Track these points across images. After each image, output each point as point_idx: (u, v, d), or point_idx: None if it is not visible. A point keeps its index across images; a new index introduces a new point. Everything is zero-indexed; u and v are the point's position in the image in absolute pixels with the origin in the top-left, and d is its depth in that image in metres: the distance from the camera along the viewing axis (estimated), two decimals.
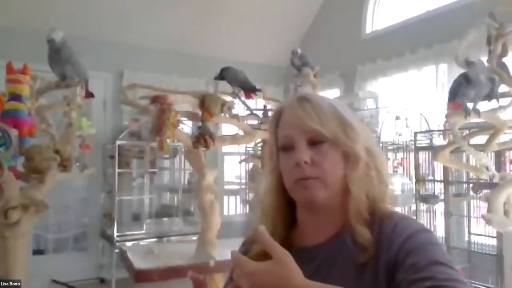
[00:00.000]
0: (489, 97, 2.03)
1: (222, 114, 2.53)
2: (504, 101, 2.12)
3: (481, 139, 2.31)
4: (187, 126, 3.98)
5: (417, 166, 3.12)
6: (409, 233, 0.69)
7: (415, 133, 3.22)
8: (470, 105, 2.02)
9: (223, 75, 2.77)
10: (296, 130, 0.76)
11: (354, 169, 0.75)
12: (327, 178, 0.75)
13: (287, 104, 0.81)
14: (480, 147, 2.22)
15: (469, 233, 2.99)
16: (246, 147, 4.71)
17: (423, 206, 3.18)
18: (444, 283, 0.59)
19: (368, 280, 0.69)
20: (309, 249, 0.78)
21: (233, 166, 5.31)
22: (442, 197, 3.00)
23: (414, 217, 3.06)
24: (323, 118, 0.75)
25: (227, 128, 3.45)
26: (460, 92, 1.97)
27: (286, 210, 0.83)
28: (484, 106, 2.09)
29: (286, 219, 0.83)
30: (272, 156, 0.83)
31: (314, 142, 0.75)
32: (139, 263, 2.37)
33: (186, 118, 2.78)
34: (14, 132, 1.77)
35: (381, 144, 3.56)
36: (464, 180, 3.04)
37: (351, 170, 0.75)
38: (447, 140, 2.88)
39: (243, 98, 2.83)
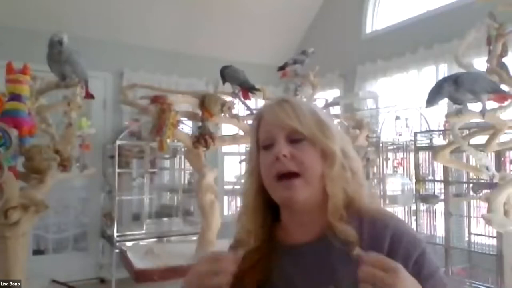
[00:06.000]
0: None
1: (222, 114, 2.53)
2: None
3: (481, 139, 2.31)
4: (187, 126, 3.98)
5: (417, 166, 3.11)
6: (420, 251, 0.73)
7: (415, 133, 3.22)
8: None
9: (223, 73, 2.77)
10: (275, 127, 0.79)
11: (331, 167, 0.78)
12: (307, 173, 0.77)
13: (267, 107, 0.84)
14: (480, 147, 2.22)
15: (469, 233, 2.99)
16: (246, 147, 4.71)
17: (423, 206, 3.17)
18: None
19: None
20: (297, 247, 0.80)
21: (233, 166, 5.31)
22: (442, 197, 2.99)
23: (414, 217, 3.06)
24: (301, 116, 0.78)
25: (227, 128, 3.44)
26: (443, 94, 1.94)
27: (265, 210, 0.84)
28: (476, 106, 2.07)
29: (266, 219, 0.84)
30: (251, 156, 0.85)
31: (293, 139, 0.78)
32: (139, 263, 2.38)
33: (186, 118, 2.78)
34: (14, 132, 1.76)
35: (381, 144, 3.57)
36: (464, 180, 3.03)
37: (328, 167, 0.78)
38: (447, 140, 2.87)
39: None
